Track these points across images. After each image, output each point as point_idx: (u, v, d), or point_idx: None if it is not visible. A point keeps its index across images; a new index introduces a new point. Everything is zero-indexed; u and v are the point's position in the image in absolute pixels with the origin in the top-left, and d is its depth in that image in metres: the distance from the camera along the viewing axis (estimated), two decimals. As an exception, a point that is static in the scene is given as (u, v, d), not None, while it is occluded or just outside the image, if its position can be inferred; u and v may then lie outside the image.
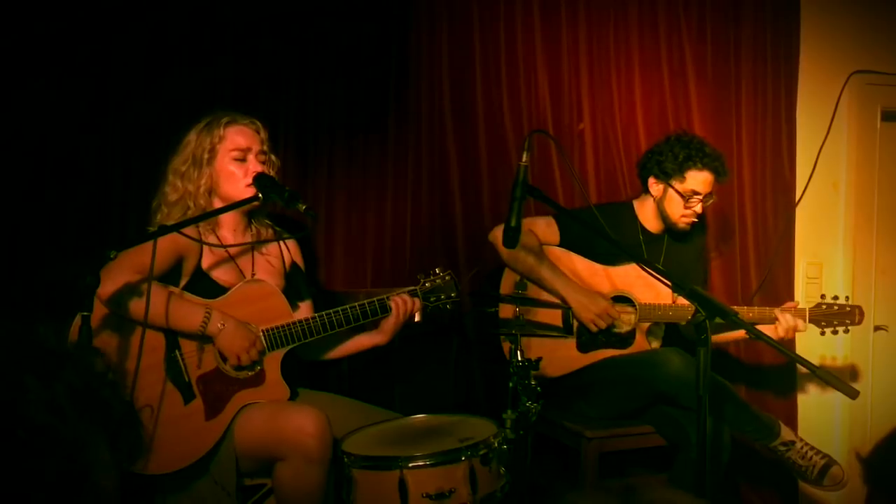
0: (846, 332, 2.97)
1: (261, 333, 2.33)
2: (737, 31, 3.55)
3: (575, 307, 2.81)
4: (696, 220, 2.95)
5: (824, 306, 2.94)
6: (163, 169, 2.45)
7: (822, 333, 2.97)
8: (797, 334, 3.18)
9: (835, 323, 2.93)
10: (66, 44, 2.71)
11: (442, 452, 2.07)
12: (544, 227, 2.93)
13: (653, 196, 2.99)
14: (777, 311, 2.87)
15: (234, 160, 2.41)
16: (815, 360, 3.62)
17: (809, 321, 2.91)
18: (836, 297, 2.95)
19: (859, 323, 2.95)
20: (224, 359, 2.33)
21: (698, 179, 2.88)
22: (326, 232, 3.10)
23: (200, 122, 2.43)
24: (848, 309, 2.93)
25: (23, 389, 0.77)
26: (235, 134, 2.42)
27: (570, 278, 2.85)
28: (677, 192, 2.91)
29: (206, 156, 2.39)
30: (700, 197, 2.90)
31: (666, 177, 2.93)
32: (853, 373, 3.71)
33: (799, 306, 2.93)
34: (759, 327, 2.75)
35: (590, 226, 2.44)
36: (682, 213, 2.93)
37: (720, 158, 2.92)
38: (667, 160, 2.90)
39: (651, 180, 2.98)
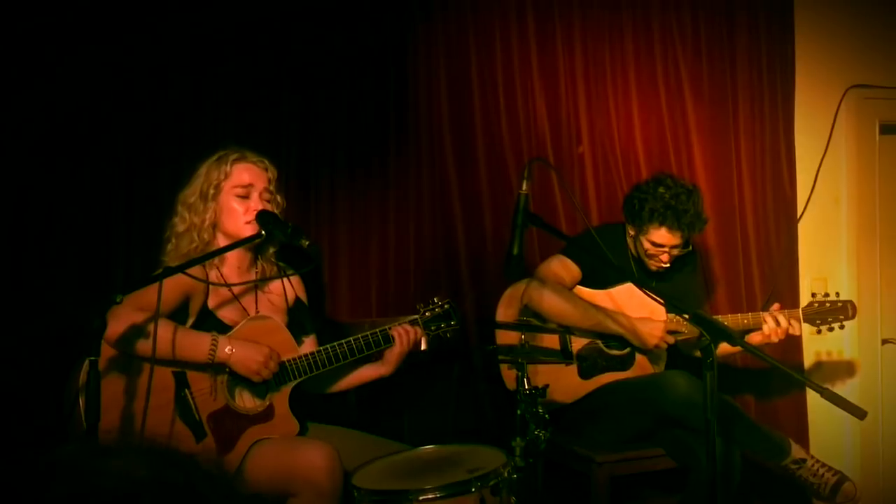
0: (841, 327, 2.97)
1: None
2: (732, 49, 3.58)
3: (636, 342, 2.85)
4: (665, 265, 2.93)
5: (816, 304, 2.94)
6: (173, 199, 2.48)
7: (818, 332, 2.98)
8: (804, 338, 3.17)
9: (829, 320, 2.93)
10: (59, 85, 2.76)
11: (452, 484, 2.07)
12: (562, 269, 2.92)
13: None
14: (765, 314, 2.86)
15: (236, 196, 2.43)
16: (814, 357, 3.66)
17: (804, 321, 2.91)
18: (826, 294, 2.95)
19: (852, 317, 2.95)
20: (233, 394, 2.34)
21: (660, 234, 2.86)
22: (330, 262, 3.12)
23: (213, 156, 2.47)
24: (840, 304, 2.93)
25: None
26: (241, 171, 2.44)
27: (615, 313, 2.87)
28: (641, 240, 2.92)
29: (211, 191, 2.42)
30: (664, 249, 2.88)
31: (633, 224, 2.94)
32: (850, 369, 3.71)
33: (781, 308, 2.90)
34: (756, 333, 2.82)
35: (595, 253, 2.45)
36: (648, 259, 2.94)
37: (689, 214, 2.83)
38: (635, 208, 2.90)
39: (626, 221, 3.00)
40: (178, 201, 2.46)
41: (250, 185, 2.44)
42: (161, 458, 0.77)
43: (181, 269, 2.14)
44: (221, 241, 2.44)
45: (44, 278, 2.71)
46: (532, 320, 2.82)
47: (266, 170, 2.48)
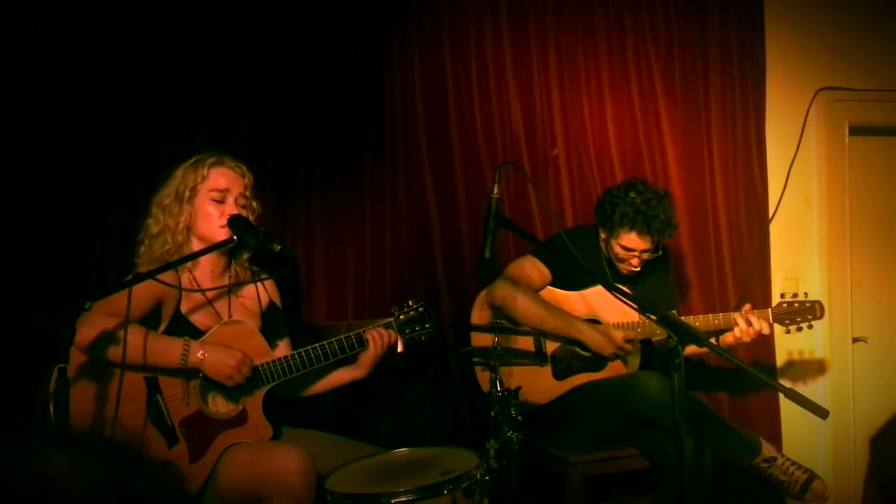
0: (810, 327, 3.01)
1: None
2: (704, 49, 3.61)
3: (594, 348, 2.87)
4: (636, 269, 2.96)
5: (785, 304, 2.98)
6: (148, 201, 2.48)
7: (788, 332, 3.02)
8: (776, 337, 3.19)
9: (798, 320, 2.97)
10: (38, 94, 2.74)
11: (424, 487, 2.08)
12: (533, 270, 2.94)
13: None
14: (736, 316, 2.90)
15: (212, 201, 2.43)
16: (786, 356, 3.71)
17: (773, 321, 2.95)
18: (795, 294, 2.99)
19: (821, 317, 2.99)
20: (206, 399, 2.34)
21: (630, 238, 2.90)
22: (307, 266, 3.13)
23: (189, 160, 2.47)
24: (808, 304, 2.97)
25: None
26: (218, 175, 2.45)
27: (577, 319, 2.89)
28: (612, 244, 2.96)
29: (187, 193, 2.42)
30: (634, 253, 2.92)
31: (604, 228, 2.98)
32: (821, 368, 3.76)
33: (752, 308, 2.93)
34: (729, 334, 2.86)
35: (565, 256, 2.47)
36: (619, 263, 2.97)
37: (659, 219, 2.87)
38: (607, 213, 2.93)
39: (598, 224, 3.03)
40: (153, 203, 2.46)
41: (226, 190, 2.44)
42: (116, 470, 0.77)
43: (151, 274, 2.14)
44: (195, 244, 2.44)
45: (17, 283, 2.70)
46: (505, 322, 2.84)
47: (243, 175, 2.48)
